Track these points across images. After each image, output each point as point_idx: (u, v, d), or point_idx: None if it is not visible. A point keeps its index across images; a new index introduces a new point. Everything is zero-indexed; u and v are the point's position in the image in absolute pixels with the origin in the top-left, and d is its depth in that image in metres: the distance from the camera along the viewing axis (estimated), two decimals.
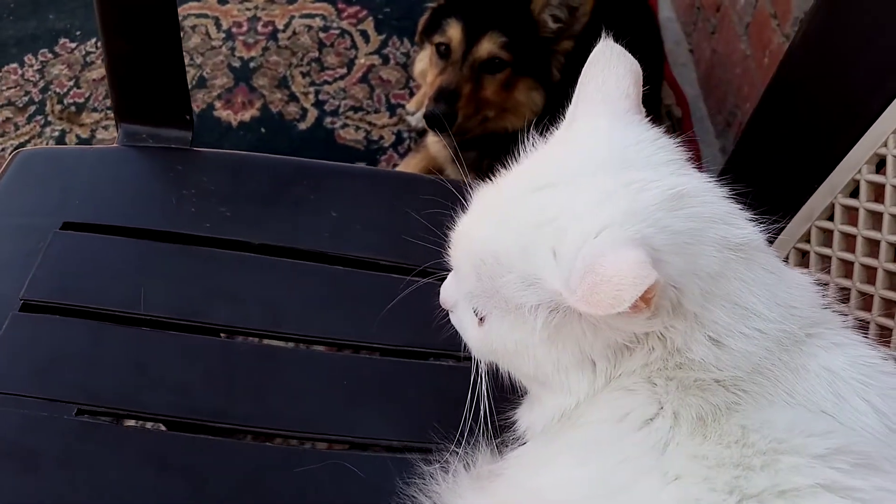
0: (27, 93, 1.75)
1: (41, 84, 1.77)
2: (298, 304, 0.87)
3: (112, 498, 0.70)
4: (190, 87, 1.68)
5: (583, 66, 0.60)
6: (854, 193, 0.75)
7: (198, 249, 0.89)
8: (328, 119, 1.72)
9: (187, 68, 1.66)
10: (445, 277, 0.62)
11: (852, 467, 0.48)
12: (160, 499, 0.71)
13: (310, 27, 1.89)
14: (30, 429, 0.73)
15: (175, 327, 0.82)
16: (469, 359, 0.62)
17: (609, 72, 0.59)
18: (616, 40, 0.60)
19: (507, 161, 0.60)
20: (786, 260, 0.80)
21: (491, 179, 0.59)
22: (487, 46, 1.31)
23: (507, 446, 0.64)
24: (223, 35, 1.86)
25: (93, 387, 0.77)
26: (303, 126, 1.71)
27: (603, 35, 0.60)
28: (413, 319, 0.78)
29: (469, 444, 0.65)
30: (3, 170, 0.94)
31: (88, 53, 1.83)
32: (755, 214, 0.56)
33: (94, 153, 1.06)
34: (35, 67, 1.80)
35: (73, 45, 1.84)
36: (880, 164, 0.72)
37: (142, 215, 0.91)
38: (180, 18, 1.74)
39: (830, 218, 0.77)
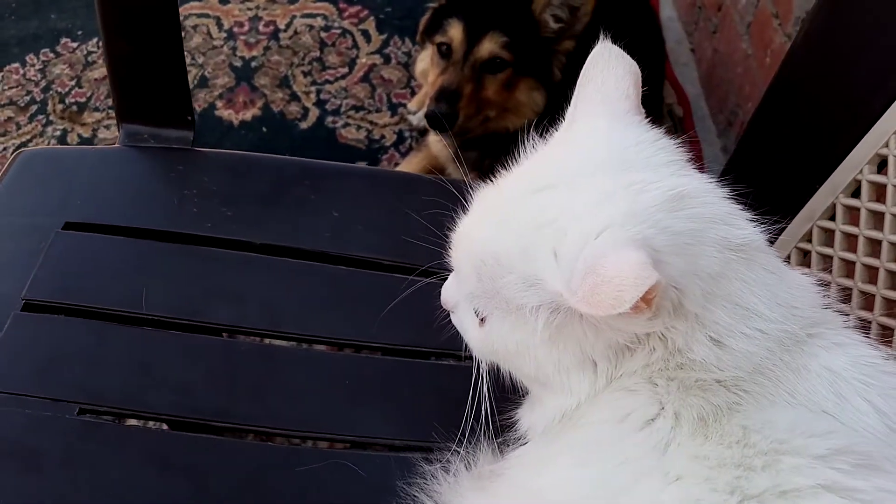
0: (29, 92, 1.76)
1: (43, 83, 1.77)
2: (300, 303, 0.87)
3: (114, 497, 0.71)
4: (191, 86, 1.69)
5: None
6: (856, 193, 0.74)
7: (199, 249, 0.89)
8: (329, 118, 1.72)
9: (189, 68, 1.66)
10: (446, 278, 0.62)
11: (853, 468, 0.48)
12: (162, 498, 0.71)
13: (311, 27, 1.89)
14: (32, 428, 0.73)
15: (177, 327, 0.83)
16: (470, 359, 0.62)
17: (608, 73, 0.59)
18: (617, 40, 0.60)
19: (507, 161, 0.60)
20: (787, 260, 0.80)
21: (492, 179, 0.59)
22: (489, 46, 1.31)
23: (508, 446, 0.64)
24: (224, 35, 1.86)
25: (95, 386, 0.77)
26: (304, 125, 1.71)
27: (602, 36, 0.60)
28: (414, 319, 0.78)
29: (470, 444, 0.65)
30: (4, 170, 0.94)
31: (90, 53, 1.83)
32: (757, 214, 0.56)
33: (95, 153, 1.06)
34: (37, 67, 1.80)
35: (75, 44, 1.84)
36: (882, 165, 0.72)
37: (143, 215, 0.91)
38: (181, 18, 1.74)
39: (832, 218, 0.77)
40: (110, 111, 1.69)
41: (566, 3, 1.29)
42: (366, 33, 1.88)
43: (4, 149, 1.66)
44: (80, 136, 1.68)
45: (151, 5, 0.93)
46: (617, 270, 0.46)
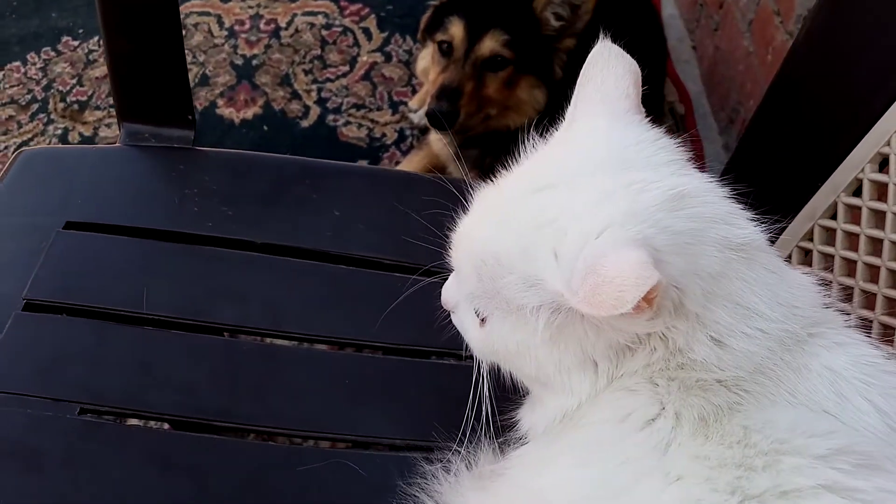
0: (30, 91, 1.76)
1: (44, 82, 1.77)
2: (301, 303, 0.87)
3: (115, 497, 0.71)
4: (192, 85, 1.68)
5: None
6: (857, 192, 0.74)
7: (200, 249, 0.89)
8: (331, 117, 1.72)
9: (190, 66, 1.66)
10: (447, 278, 0.62)
11: (854, 468, 0.48)
12: (163, 498, 0.71)
13: (312, 25, 1.88)
14: (33, 428, 0.73)
15: (178, 326, 0.83)
16: (471, 358, 0.62)
17: (608, 72, 0.59)
18: (618, 38, 0.60)
19: (508, 159, 0.60)
20: (789, 258, 0.80)
21: (493, 178, 0.59)
22: (489, 44, 1.30)
23: (509, 446, 0.64)
24: (225, 33, 1.86)
25: (96, 386, 0.77)
26: (305, 124, 1.71)
27: (602, 34, 0.60)
28: (415, 319, 0.78)
29: (471, 444, 0.65)
30: (5, 169, 0.94)
31: (91, 52, 1.83)
32: (758, 213, 0.56)
33: (96, 152, 1.06)
34: (38, 65, 1.80)
35: (76, 43, 1.84)
36: (883, 163, 0.72)
37: (144, 215, 0.91)
38: (182, 17, 1.74)
39: (833, 217, 0.77)
40: (111, 110, 1.69)
41: (567, 1, 1.29)
42: (367, 31, 1.88)
43: (6, 147, 1.66)
44: (81, 134, 1.68)
45: (152, 3, 0.93)
46: (618, 270, 0.46)
